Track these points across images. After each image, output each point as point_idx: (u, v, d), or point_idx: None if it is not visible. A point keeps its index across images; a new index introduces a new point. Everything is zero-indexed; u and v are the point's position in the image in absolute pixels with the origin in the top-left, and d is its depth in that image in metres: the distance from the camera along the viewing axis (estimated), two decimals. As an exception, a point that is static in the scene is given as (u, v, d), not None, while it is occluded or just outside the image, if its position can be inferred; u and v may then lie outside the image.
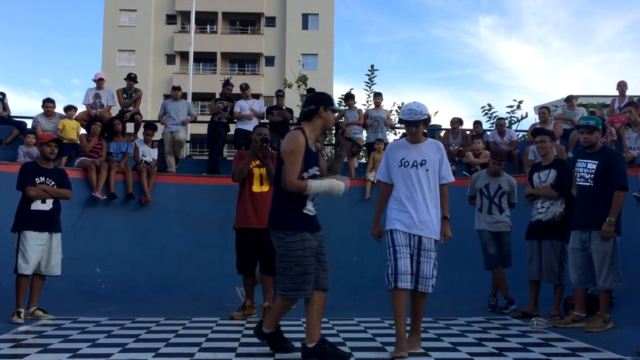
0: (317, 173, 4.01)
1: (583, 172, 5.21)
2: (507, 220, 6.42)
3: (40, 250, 5.71)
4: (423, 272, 4.10)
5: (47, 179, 5.82)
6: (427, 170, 4.18)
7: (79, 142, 8.97)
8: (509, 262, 6.45)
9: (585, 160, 5.22)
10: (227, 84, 10.19)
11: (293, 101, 13.65)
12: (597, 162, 5.11)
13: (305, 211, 3.89)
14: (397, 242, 4.11)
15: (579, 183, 5.25)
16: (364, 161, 10.84)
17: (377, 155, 9.22)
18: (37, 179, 5.76)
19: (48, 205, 5.80)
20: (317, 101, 4.01)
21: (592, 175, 5.11)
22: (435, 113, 15.78)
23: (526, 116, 13.99)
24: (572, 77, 73.97)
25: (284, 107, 10.22)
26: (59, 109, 9.50)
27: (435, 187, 4.19)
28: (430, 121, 4.32)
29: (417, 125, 4.18)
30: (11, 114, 9.97)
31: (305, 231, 3.87)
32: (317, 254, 3.94)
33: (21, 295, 5.59)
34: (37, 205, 5.73)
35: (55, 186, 5.86)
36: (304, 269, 3.82)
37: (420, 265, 4.11)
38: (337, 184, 3.93)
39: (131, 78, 10.11)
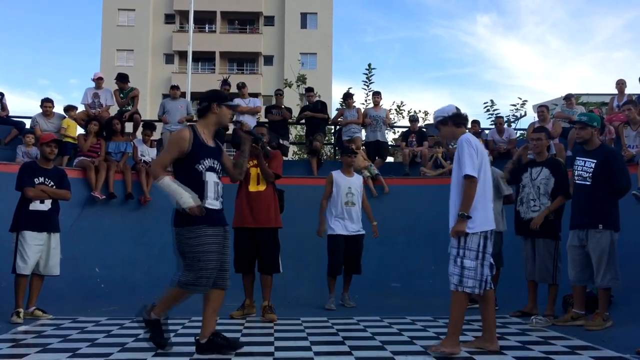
0: (215, 166, 4.08)
1: (581, 170, 5.20)
2: (496, 220, 6.40)
3: (39, 250, 5.70)
4: (448, 270, 4.21)
5: (47, 180, 5.81)
6: (455, 167, 4.30)
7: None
8: (500, 261, 6.44)
9: (584, 159, 5.22)
10: (225, 83, 10.18)
11: (292, 100, 13.64)
12: (595, 161, 5.12)
13: (206, 205, 3.94)
14: None
15: (577, 182, 5.24)
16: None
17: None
18: (36, 179, 5.76)
19: (47, 205, 5.80)
20: (209, 98, 4.14)
21: (590, 174, 5.11)
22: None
23: (525, 115, 13.95)
24: (570, 76, 74.01)
25: (282, 106, 10.21)
26: (58, 109, 9.51)
27: (460, 184, 4.20)
28: (450, 119, 4.32)
29: (437, 128, 4.50)
30: (9, 114, 9.96)
31: (204, 225, 3.91)
32: (219, 252, 3.99)
33: (20, 295, 5.58)
34: (35, 206, 5.72)
35: (54, 187, 5.85)
36: (205, 264, 3.88)
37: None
38: (182, 199, 3.85)
39: (120, 79, 9.90)
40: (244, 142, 4.45)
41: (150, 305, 4.10)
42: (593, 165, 5.11)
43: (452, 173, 4.32)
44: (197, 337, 4.09)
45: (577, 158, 5.32)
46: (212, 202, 4.01)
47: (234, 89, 10.34)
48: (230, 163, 4.37)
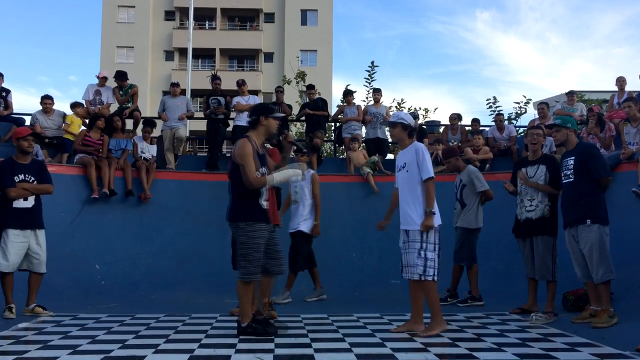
0: (265, 172, 4.67)
1: (565, 169, 5.32)
2: (469, 217, 6.49)
3: (22, 248, 5.62)
4: (406, 262, 4.81)
5: (27, 176, 5.71)
6: (407, 171, 4.82)
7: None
8: (472, 258, 6.55)
9: (567, 158, 5.34)
10: (215, 78, 10.15)
11: (292, 97, 13.64)
12: (574, 157, 5.24)
13: (260, 203, 4.57)
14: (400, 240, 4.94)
15: (564, 181, 5.35)
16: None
17: (352, 153, 9.21)
18: (16, 177, 5.64)
19: (30, 202, 5.70)
20: (258, 112, 4.73)
21: (572, 170, 5.22)
22: (435, 109, 15.75)
23: (525, 112, 13.96)
24: (570, 72, 73.99)
25: (283, 103, 10.19)
26: (57, 106, 9.50)
27: (416, 185, 4.75)
28: (410, 128, 4.91)
29: (393, 125, 4.95)
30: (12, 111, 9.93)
31: (262, 222, 4.56)
32: (269, 244, 4.66)
33: (8, 292, 5.56)
34: (19, 203, 5.63)
35: (35, 182, 5.75)
36: (260, 254, 4.54)
37: (405, 256, 4.83)
38: (293, 171, 4.65)
39: (118, 76, 9.93)
40: (285, 150, 4.89)
41: (238, 321, 4.63)
42: (573, 161, 5.23)
43: (402, 175, 4.85)
44: (238, 320, 4.62)
45: (563, 159, 5.44)
46: (264, 203, 4.62)
47: (233, 86, 10.32)
48: (273, 167, 4.85)
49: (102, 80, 9.75)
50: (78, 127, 9.16)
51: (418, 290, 4.82)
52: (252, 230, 4.50)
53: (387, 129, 10.76)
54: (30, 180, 5.73)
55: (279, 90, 10.37)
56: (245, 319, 4.55)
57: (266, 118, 4.68)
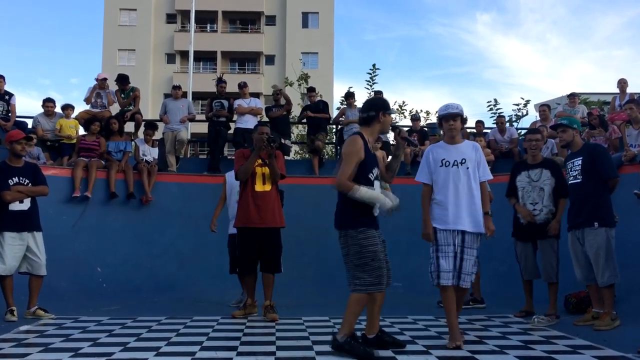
0: (377, 174, 4.21)
1: (572, 170, 5.29)
2: None
3: (19, 251, 5.60)
4: (465, 269, 4.35)
5: (21, 178, 5.68)
6: (468, 168, 4.40)
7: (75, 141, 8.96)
8: None
9: (573, 159, 5.32)
10: (220, 81, 10.17)
11: (293, 99, 13.62)
12: (582, 157, 5.22)
13: (372, 211, 4.05)
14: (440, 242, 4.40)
15: (570, 182, 5.31)
16: None
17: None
18: (10, 180, 5.62)
19: (26, 204, 5.68)
20: (377, 107, 4.18)
21: (579, 171, 5.20)
22: (436, 112, 15.75)
23: (527, 114, 13.97)
24: (570, 74, 73.98)
25: (282, 104, 10.18)
26: (59, 109, 9.51)
27: (476, 184, 4.42)
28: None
29: (457, 115, 4.52)
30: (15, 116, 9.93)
31: (373, 228, 4.04)
32: (384, 252, 4.12)
33: (8, 294, 5.56)
34: (15, 206, 5.61)
35: (29, 184, 5.73)
36: (379, 263, 3.99)
37: (463, 263, 4.36)
38: (384, 199, 4.03)
39: (120, 80, 9.95)
40: (398, 147, 4.44)
41: (334, 334, 4.07)
42: (580, 161, 5.20)
43: (460, 171, 4.39)
44: (364, 333, 4.20)
45: (567, 162, 5.41)
46: (376, 210, 4.09)
47: (234, 89, 10.33)
48: (384, 167, 4.45)
49: (102, 82, 9.76)
50: (68, 128, 9.17)
51: (462, 297, 4.59)
52: (365, 238, 3.97)
53: (403, 126, 10.77)
54: (25, 183, 5.70)
55: (276, 92, 10.33)
56: (343, 332, 3.98)
57: (384, 114, 4.15)
